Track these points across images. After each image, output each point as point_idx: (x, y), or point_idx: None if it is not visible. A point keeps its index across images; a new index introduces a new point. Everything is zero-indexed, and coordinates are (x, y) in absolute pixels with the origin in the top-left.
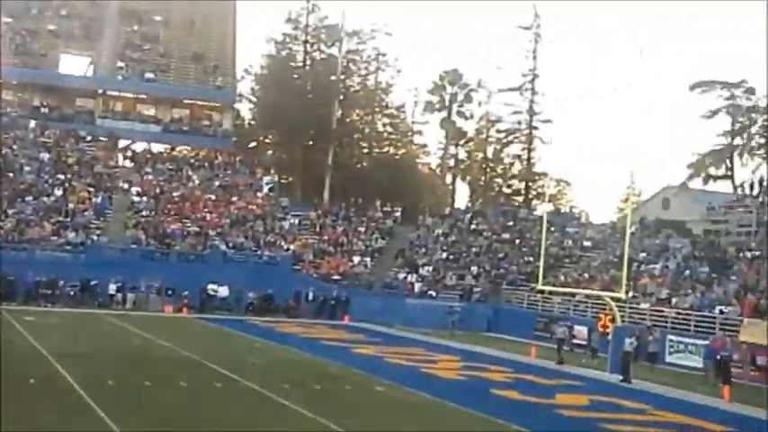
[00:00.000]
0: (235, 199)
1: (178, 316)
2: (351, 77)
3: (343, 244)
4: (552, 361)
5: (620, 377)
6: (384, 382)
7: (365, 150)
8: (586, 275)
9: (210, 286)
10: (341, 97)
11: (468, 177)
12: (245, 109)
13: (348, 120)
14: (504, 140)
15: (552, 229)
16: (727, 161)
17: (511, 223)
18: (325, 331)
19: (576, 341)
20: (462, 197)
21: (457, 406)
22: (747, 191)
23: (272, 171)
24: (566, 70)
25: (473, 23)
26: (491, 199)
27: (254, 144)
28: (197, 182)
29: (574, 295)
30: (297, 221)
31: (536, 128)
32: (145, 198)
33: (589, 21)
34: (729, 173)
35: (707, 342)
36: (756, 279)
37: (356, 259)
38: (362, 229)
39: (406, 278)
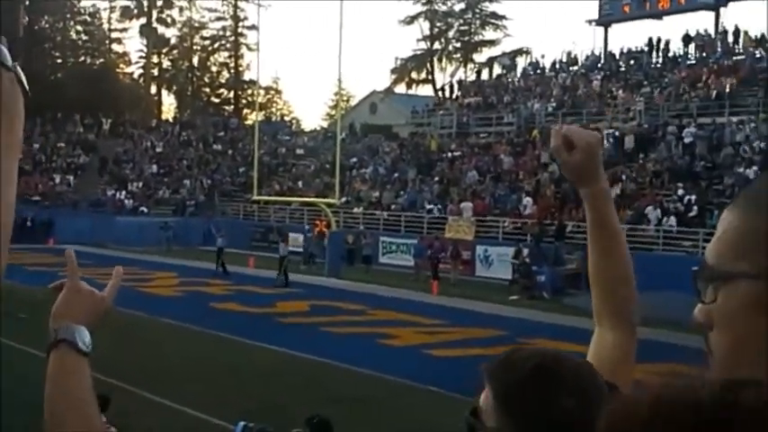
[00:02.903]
0: None
1: None
2: None
3: (41, 162)
4: (273, 270)
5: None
6: None
7: (59, 61)
8: (300, 183)
9: None
10: (26, 3)
11: (174, 87)
12: None
13: (37, 27)
14: (210, 48)
15: (264, 138)
16: (428, 65)
17: (222, 134)
18: (27, 256)
19: (292, 248)
20: (170, 108)
21: (177, 322)
22: (447, 94)
23: None
24: None
25: None
26: (200, 109)
27: None
28: None
29: (289, 203)
30: None
31: (242, 35)
32: None
33: None
34: (430, 77)
35: (416, 241)
36: (458, 178)
37: (57, 178)
38: (62, 145)
39: (114, 195)
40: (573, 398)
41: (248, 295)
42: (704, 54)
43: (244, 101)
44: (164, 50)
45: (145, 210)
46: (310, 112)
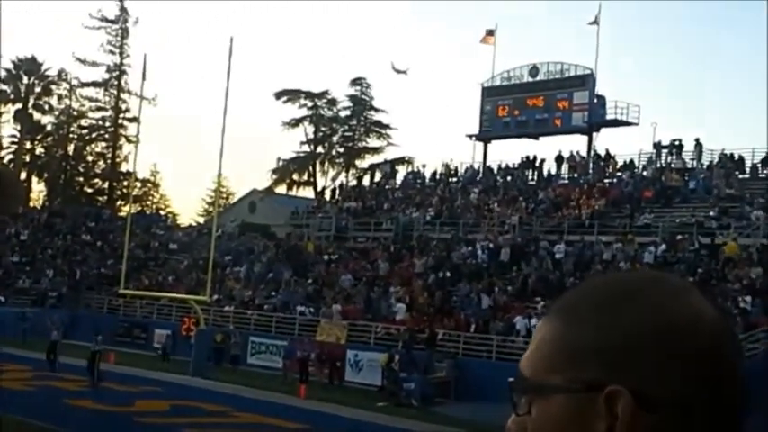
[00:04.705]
0: None
1: None
2: None
3: None
4: (135, 366)
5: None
6: None
7: None
8: (171, 279)
9: None
10: None
11: (45, 175)
12: None
13: None
14: (87, 137)
15: (137, 231)
16: (310, 168)
17: (93, 224)
18: None
19: (156, 345)
20: (39, 196)
21: (27, 419)
22: (328, 197)
23: None
24: (154, 69)
25: (56, 9)
26: (71, 198)
27: None
28: None
29: (158, 299)
30: None
31: (122, 126)
32: None
33: (180, 20)
34: (312, 179)
35: (286, 342)
36: (333, 281)
37: None
38: None
39: None
40: None
41: (105, 392)
42: (576, 175)
43: (119, 192)
44: (38, 137)
45: (2, 299)
46: (188, 208)
